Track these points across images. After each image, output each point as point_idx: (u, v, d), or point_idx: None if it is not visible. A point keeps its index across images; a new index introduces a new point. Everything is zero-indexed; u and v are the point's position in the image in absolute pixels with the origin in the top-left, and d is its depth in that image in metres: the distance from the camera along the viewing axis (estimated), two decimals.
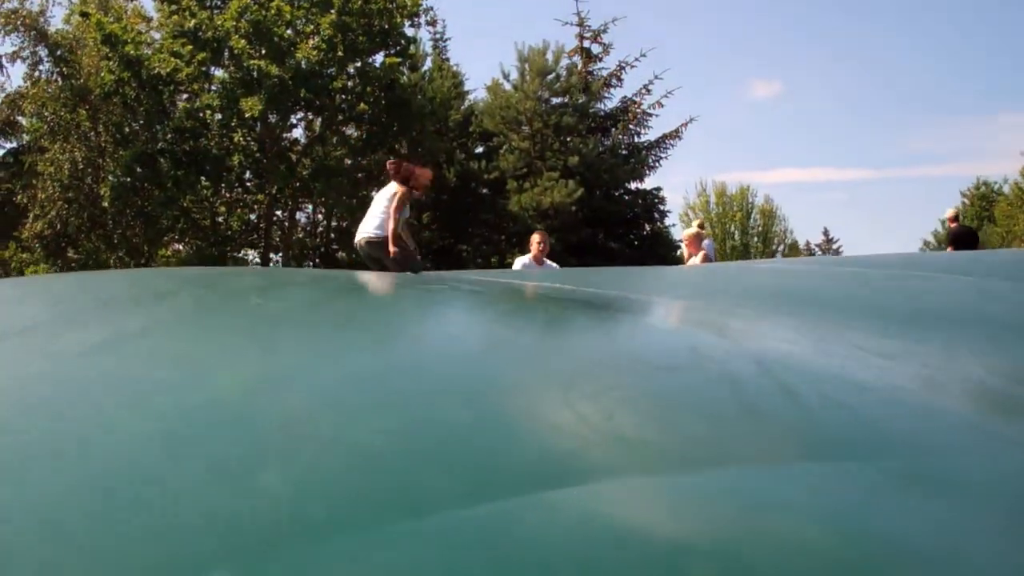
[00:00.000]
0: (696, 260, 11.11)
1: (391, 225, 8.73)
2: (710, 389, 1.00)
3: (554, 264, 10.41)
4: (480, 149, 25.74)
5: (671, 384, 1.03)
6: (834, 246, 55.53)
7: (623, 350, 1.30)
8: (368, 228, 8.86)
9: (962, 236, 13.02)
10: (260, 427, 0.76)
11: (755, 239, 46.44)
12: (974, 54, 73.51)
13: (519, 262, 10.01)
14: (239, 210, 24.32)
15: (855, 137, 78.27)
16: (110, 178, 22.41)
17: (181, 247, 24.71)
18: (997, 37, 71.59)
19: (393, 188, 8.99)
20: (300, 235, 26.15)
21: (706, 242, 12.17)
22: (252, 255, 25.01)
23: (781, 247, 47.04)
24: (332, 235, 26.24)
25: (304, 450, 0.70)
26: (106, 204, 21.91)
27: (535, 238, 9.89)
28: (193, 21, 20.86)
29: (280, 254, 24.30)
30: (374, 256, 8.79)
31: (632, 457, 0.74)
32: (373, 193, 24.69)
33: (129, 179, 21.68)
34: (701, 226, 12.90)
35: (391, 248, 8.78)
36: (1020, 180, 47.99)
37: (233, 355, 1.05)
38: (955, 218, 14.71)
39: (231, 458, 0.68)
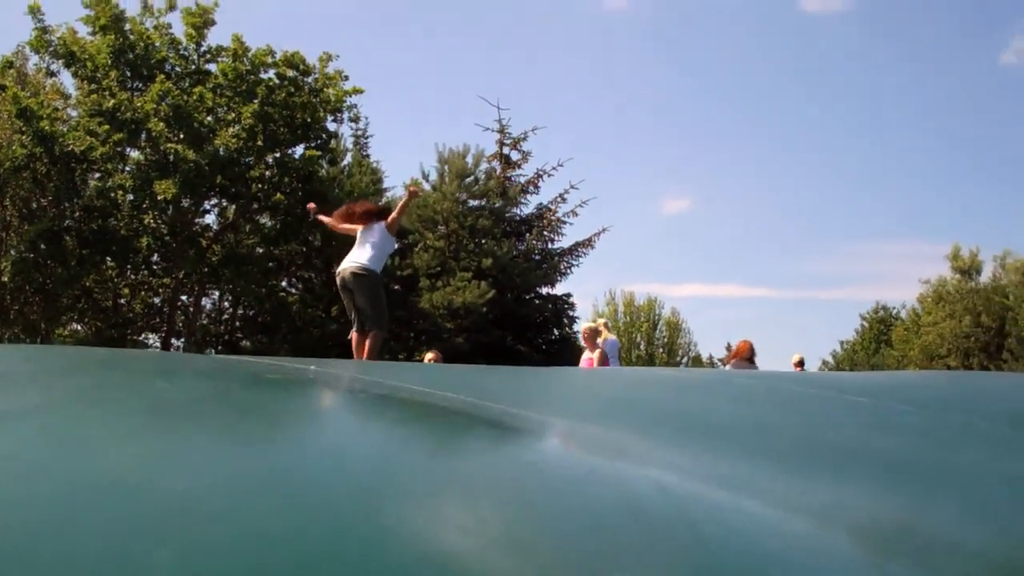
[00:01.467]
0: (594, 356, 11.21)
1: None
2: (608, 510, 1.00)
3: None
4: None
5: (569, 502, 1.03)
6: None
7: (521, 467, 1.30)
8: (358, 258, 8.72)
9: None
10: (148, 506, 0.75)
11: (660, 350, 47.13)
12: (876, 181, 76.58)
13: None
14: (143, 293, 23.89)
15: (759, 257, 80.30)
16: (12, 253, 21.85)
17: (80, 327, 24.09)
18: (898, 166, 74.77)
19: (379, 224, 8.98)
20: (204, 321, 25.74)
21: (611, 339, 12.27)
22: (153, 339, 24.50)
23: (685, 359, 47.77)
24: (238, 323, 25.87)
25: (192, 530, 0.69)
26: (5, 279, 21.31)
27: (429, 356, 10.15)
28: (112, 101, 20.71)
29: (182, 340, 23.83)
30: (354, 287, 8.69)
31: (524, 568, 0.75)
32: (283, 283, 24.74)
33: (32, 255, 21.15)
34: (605, 325, 13.03)
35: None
36: (917, 306, 49.74)
37: (127, 435, 1.04)
38: (799, 363, 15.78)
39: (118, 536, 0.68)
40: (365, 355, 8.62)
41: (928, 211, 72.79)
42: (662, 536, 0.92)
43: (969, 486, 1.65)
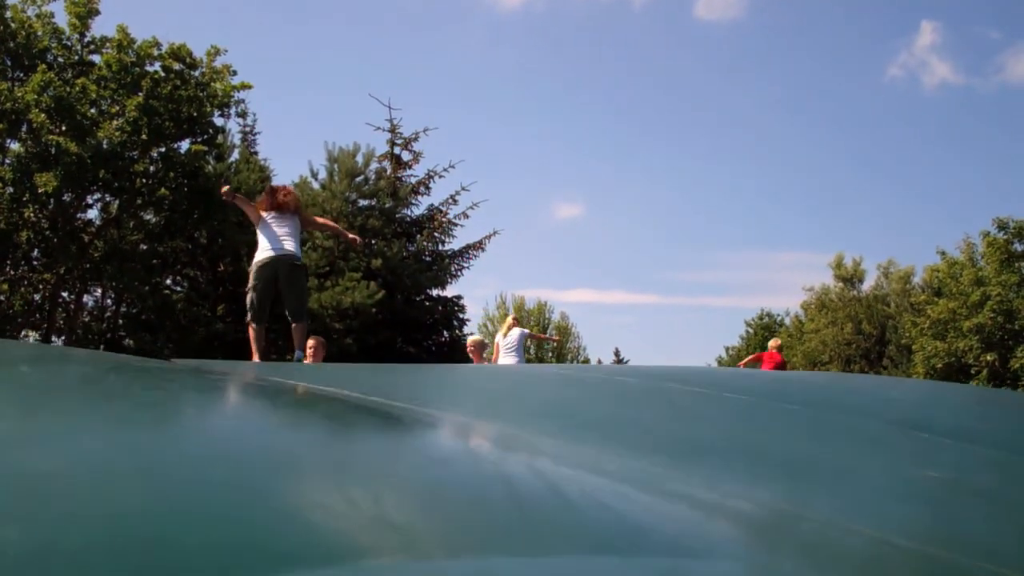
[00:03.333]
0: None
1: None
2: (481, 483, 1.03)
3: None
4: None
5: (442, 475, 1.05)
6: None
7: (398, 446, 1.35)
8: (295, 250, 8.91)
9: None
10: (6, 483, 0.74)
11: (550, 355, 47.42)
12: (764, 191, 78.37)
13: None
14: (23, 289, 23.22)
15: (648, 264, 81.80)
16: None
17: None
18: (786, 176, 76.66)
19: (295, 217, 9.08)
20: (86, 319, 25.12)
21: (522, 330, 12.67)
22: (33, 336, 23.80)
23: (574, 363, 48.13)
24: (121, 321, 25.31)
25: (51, 507, 0.68)
26: None
27: (309, 342, 10.08)
28: None
29: (63, 337, 23.21)
30: (288, 279, 8.85)
31: (396, 541, 0.75)
32: (167, 280, 24.25)
33: None
34: (517, 320, 13.39)
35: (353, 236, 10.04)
36: (801, 313, 51.17)
37: None
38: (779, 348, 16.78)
39: None
40: (296, 343, 9.09)
41: (814, 221, 75.03)
42: (535, 512, 0.93)
43: (846, 481, 1.67)
